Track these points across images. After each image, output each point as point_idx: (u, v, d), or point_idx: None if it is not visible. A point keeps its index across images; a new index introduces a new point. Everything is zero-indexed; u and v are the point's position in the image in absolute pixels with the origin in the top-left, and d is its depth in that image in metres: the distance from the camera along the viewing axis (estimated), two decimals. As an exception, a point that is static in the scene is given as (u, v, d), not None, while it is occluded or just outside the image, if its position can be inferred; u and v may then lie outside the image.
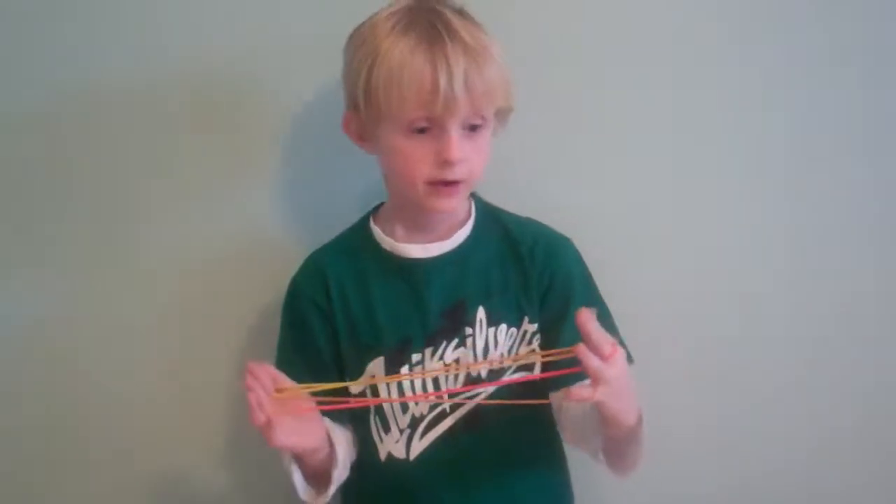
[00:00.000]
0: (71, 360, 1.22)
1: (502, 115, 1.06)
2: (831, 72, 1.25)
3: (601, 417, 0.93)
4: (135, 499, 1.25)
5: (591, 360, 0.88)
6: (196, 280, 1.22)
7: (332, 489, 1.03)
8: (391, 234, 1.09)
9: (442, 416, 1.06)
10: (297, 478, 1.01)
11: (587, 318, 0.89)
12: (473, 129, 1.01)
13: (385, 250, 1.09)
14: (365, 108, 1.02)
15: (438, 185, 1.02)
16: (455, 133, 0.99)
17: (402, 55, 0.98)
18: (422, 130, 1.00)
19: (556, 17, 1.22)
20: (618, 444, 0.99)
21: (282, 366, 1.07)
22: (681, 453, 1.27)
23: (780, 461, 1.31)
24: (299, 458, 1.00)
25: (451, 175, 1.01)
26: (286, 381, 0.96)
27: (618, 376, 0.89)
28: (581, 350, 0.88)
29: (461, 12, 1.03)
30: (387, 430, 1.06)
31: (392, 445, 1.06)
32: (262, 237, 1.22)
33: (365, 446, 1.08)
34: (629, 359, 1.08)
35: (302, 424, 0.96)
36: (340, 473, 1.04)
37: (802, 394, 1.30)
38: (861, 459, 1.32)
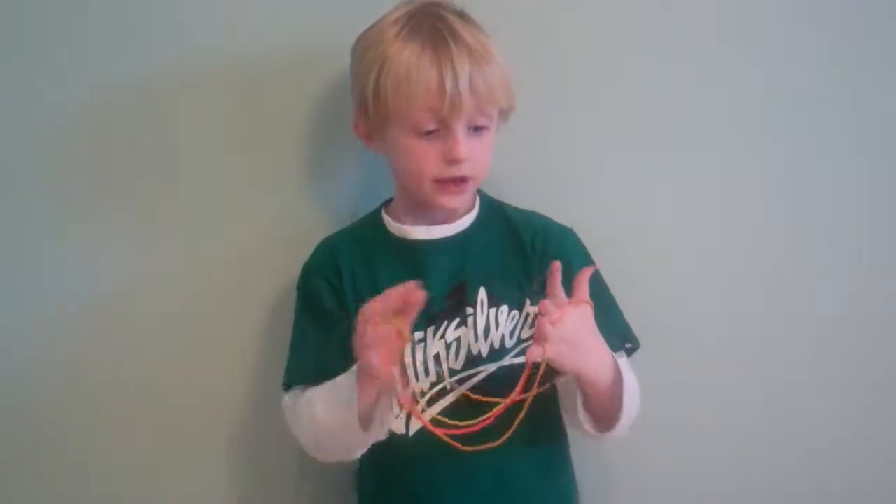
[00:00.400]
0: (115, 338, 1.24)
1: (505, 113, 1.11)
2: (848, 75, 1.28)
3: (566, 374, 1.00)
4: (168, 472, 1.26)
5: (540, 321, 0.96)
6: (223, 269, 1.24)
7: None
8: (398, 220, 1.13)
9: (442, 393, 1.07)
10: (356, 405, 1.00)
11: (554, 271, 0.99)
12: (478, 129, 1.06)
13: (393, 234, 1.13)
14: (374, 110, 1.07)
15: (446, 183, 1.06)
16: (461, 132, 1.04)
17: (409, 60, 1.03)
18: (430, 132, 1.04)
19: (566, 18, 1.26)
20: (597, 402, 1.03)
21: (303, 351, 1.12)
22: (685, 448, 1.30)
23: (788, 461, 1.32)
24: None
25: (458, 172, 1.05)
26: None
27: (568, 335, 0.97)
28: (541, 306, 0.96)
29: (462, 15, 1.08)
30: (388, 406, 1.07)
31: (393, 422, 1.07)
32: (284, 233, 1.24)
33: None
34: (635, 344, 1.11)
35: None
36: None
37: (817, 394, 1.31)
38: (870, 460, 1.33)
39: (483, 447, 1.02)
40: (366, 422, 1.02)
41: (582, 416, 1.05)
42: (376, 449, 1.09)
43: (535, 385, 1.01)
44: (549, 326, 0.95)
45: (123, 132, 1.21)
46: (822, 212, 1.30)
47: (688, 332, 1.28)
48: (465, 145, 1.04)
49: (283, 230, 1.24)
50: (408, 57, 1.03)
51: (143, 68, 1.20)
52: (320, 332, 1.09)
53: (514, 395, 1.02)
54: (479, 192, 1.16)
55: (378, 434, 1.03)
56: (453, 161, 1.04)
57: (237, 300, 1.24)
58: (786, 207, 1.30)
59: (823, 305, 1.30)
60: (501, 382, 1.06)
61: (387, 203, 1.17)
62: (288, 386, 1.12)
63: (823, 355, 1.31)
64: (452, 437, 1.02)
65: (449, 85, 1.01)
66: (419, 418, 1.04)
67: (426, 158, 1.05)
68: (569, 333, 0.97)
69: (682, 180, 1.28)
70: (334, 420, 1.04)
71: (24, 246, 1.21)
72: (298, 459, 1.24)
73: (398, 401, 1.03)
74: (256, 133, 1.23)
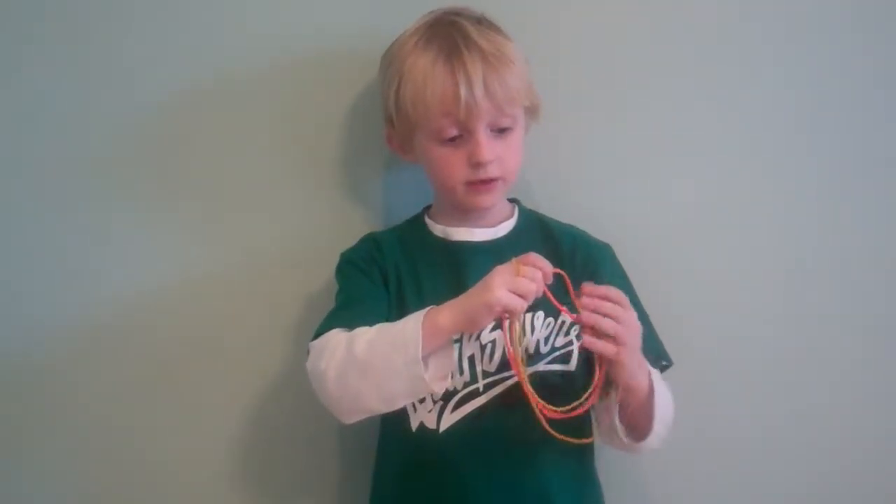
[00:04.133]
0: (142, 338, 1.25)
1: (532, 111, 1.13)
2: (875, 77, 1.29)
3: (618, 382, 1.01)
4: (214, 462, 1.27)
5: (609, 324, 0.98)
6: (267, 269, 1.26)
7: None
8: (441, 222, 1.15)
9: (475, 394, 1.08)
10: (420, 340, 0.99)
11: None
12: (503, 130, 1.08)
13: (435, 235, 1.15)
14: (398, 123, 1.11)
15: (476, 185, 1.09)
16: (483, 136, 1.06)
17: (425, 69, 1.06)
18: (453, 139, 1.07)
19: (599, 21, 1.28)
20: (634, 411, 1.04)
21: (348, 305, 1.10)
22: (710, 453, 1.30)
23: (813, 472, 1.32)
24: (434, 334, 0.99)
25: (484, 174, 1.08)
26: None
27: (634, 342, 1.00)
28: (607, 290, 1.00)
29: (480, 20, 1.11)
30: (422, 399, 1.08)
31: (425, 415, 1.08)
32: (323, 238, 1.25)
33: (397, 416, 1.08)
34: (669, 362, 1.12)
35: None
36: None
37: (855, 402, 1.32)
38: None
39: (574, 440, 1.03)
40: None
41: (618, 425, 1.05)
42: (399, 445, 1.10)
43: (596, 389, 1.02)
44: (625, 329, 0.98)
45: (160, 139, 1.24)
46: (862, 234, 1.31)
47: (714, 345, 1.30)
48: (489, 147, 1.06)
49: (314, 240, 1.25)
50: (422, 66, 1.07)
51: (179, 78, 1.23)
52: (366, 286, 1.10)
53: (596, 382, 1.01)
54: (517, 203, 1.18)
55: (435, 383, 0.99)
56: (479, 164, 1.07)
57: (265, 306, 1.26)
58: (819, 219, 1.31)
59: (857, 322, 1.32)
60: (534, 388, 1.06)
61: (427, 209, 1.19)
62: (321, 332, 1.08)
63: (852, 370, 1.32)
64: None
65: (463, 91, 1.04)
66: (518, 371, 1.00)
67: (453, 164, 1.08)
68: (635, 340, 0.99)
69: (720, 186, 1.30)
70: (376, 357, 1.00)
71: (67, 249, 1.23)
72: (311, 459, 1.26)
73: (508, 349, 1.00)
74: (292, 143, 1.25)
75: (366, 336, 1.02)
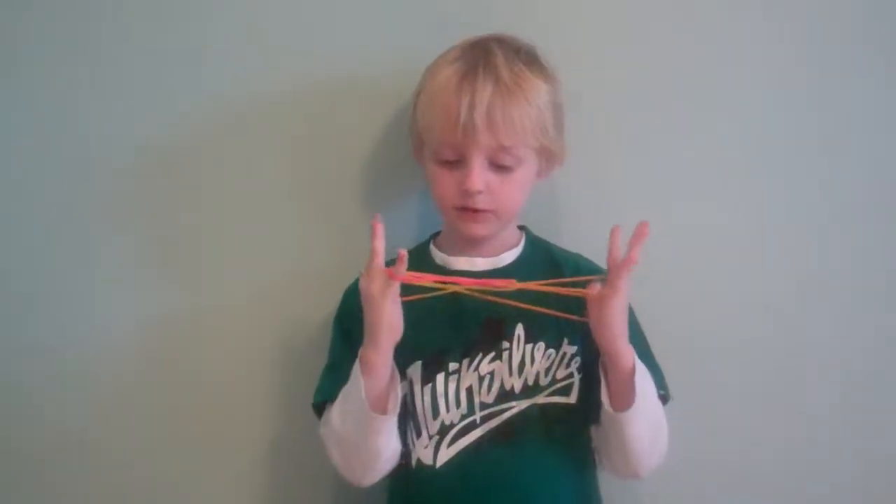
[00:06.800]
0: (173, 358, 1.27)
1: (546, 156, 1.09)
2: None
3: (602, 344, 1.02)
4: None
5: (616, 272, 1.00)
6: (279, 290, 1.26)
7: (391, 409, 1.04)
8: (444, 251, 1.14)
9: (471, 426, 1.07)
10: (362, 386, 1.01)
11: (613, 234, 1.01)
12: (503, 168, 1.05)
13: (437, 264, 1.13)
14: (413, 132, 1.11)
15: (465, 212, 1.07)
16: (477, 164, 1.04)
17: (440, 85, 1.05)
18: (449, 162, 1.05)
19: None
20: (619, 392, 1.02)
21: (333, 370, 1.12)
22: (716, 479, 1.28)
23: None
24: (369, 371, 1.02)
25: (472, 203, 1.05)
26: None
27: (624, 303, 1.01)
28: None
29: (519, 51, 1.07)
30: (419, 434, 1.08)
31: (422, 451, 1.07)
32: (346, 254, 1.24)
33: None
34: (668, 394, 1.09)
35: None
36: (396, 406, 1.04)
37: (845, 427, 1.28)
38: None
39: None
40: (379, 405, 1.02)
41: (604, 398, 1.03)
42: (403, 483, 1.10)
43: None
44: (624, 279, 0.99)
45: (180, 161, 1.25)
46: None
47: (714, 367, 1.27)
48: (480, 178, 1.04)
49: (337, 259, 1.24)
50: (440, 81, 1.05)
51: (196, 99, 1.23)
52: (350, 353, 1.09)
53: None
54: (525, 230, 1.16)
55: (393, 411, 1.02)
56: (466, 192, 1.04)
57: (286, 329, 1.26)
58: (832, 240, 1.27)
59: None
60: (533, 420, 1.06)
61: (435, 235, 1.18)
62: (316, 406, 1.12)
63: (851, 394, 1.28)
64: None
65: (464, 110, 1.01)
66: (411, 279, 1.02)
67: (445, 186, 1.07)
68: (624, 301, 1.01)
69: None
70: (347, 423, 1.04)
71: (81, 275, 1.25)
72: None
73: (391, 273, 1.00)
74: (316, 165, 1.25)
75: (337, 410, 1.06)
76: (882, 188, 1.26)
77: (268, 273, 1.25)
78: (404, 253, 1.00)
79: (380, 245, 1.02)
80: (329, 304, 1.18)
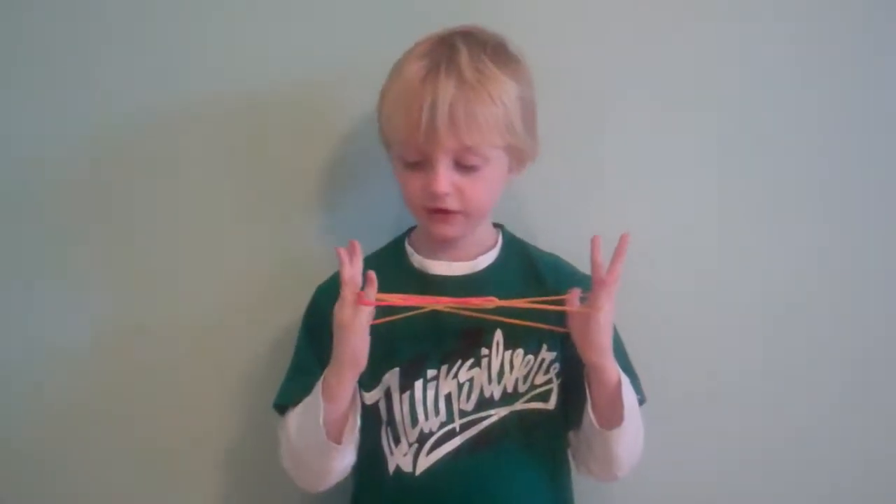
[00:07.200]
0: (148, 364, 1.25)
1: (515, 155, 1.06)
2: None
3: (590, 367, 1.02)
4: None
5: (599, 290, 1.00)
6: (243, 294, 1.25)
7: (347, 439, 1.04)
8: (420, 252, 1.11)
9: (451, 434, 1.06)
10: (321, 411, 1.01)
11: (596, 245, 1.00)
12: (470, 168, 1.02)
13: (413, 266, 1.11)
14: (380, 132, 1.08)
15: (434, 212, 1.04)
16: (441, 165, 1.01)
17: (402, 86, 1.02)
18: (415, 164, 1.03)
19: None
20: (603, 401, 1.03)
21: (296, 373, 1.09)
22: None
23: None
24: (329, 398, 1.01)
25: (440, 204, 1.03)
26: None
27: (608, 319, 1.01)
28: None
29: (485, 45, 1.04)
30: (397, 441, 1.06)
31: (401, 458, 1.06)
32: (309, 256, 1.23)
33: (372, 460, 1.08)
34: (643, 397, 1.10)
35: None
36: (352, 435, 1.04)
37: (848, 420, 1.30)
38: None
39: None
40: (336, 433, 1.01)
41: (591, 415, 1.03)
42: (376, 490, 1.08)
43: None
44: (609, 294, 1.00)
45: (145, 161, 1.22)
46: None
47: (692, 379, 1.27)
48: (446, 180, 1.01)
49: (312, 252, 1.23)
50: (403, 81, 1.02)
51: (165, 93, 1.21)
52: (314, 358, 1.07)
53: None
54: (502, 229, 1.14)
55: (348, 442, 1.02)
56: (433, 194, 1.02)
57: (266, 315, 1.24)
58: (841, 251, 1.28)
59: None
60: (512, 427, 1.06)
61: (411, 230, 1.15)
62: (278, 406, 1.10)
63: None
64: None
65: (425, 111, 0.98)
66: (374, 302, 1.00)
67: (412, 188, 1.04)
68: (609, 316, 1.01)
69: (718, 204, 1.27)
70: (302, 440, 1.04)
71: (33, 284, 1.23)
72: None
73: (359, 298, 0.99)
74: (282, 161, 1.23)
75: (295, 419, 1.05)
76: (882, 188, 1.27)
77: (231, 279, 1.24)
78: (373, 275, 0.99)
79: (350, 272, 0.99)
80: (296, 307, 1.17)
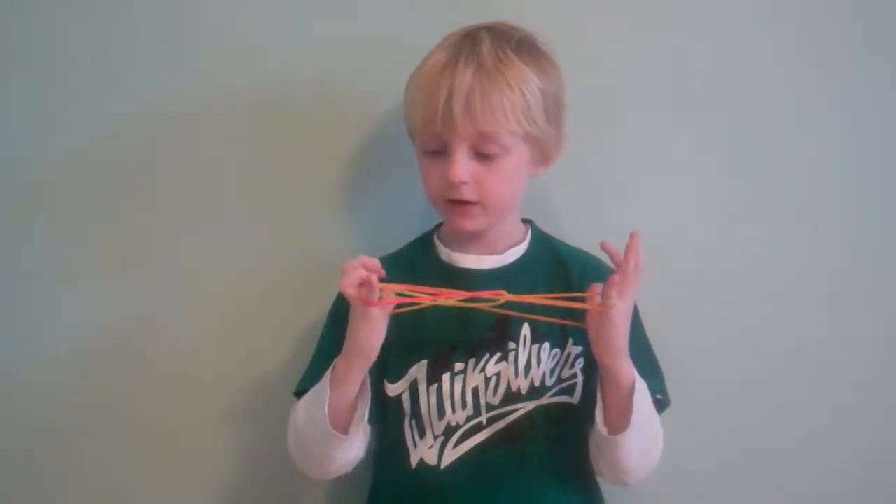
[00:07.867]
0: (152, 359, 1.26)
1: (539, 148, 1.05)
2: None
3: (604, 369, 1.00)
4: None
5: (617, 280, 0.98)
6: (262, 289, 1.25)
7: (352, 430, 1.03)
8: (448, 246, 1.11)
9: (478, 427, 1.05)
10: (327, 397, 1.00)
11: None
12: (488, 156, 1.02)
13: (442, 260, 1.11)
14: (406, 123, 1.08)
15: (454, 205, 1.04)
16: (459, 154, 1.01)
17: (423, 74, 1.03)
18: (435, 153, 1.02)
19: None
20: (616, 412, 1.01)
21: (319, 359, 1.09)
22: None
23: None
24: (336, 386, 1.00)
25: (457, 195, 1.03)
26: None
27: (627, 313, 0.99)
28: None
29: (511, 38, 1.03)
30: (422, 434, 1.06)
31: (425, 451, 1.06)
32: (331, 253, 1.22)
33: (393, 453, 1.08)
34: (666, 399, 1.10)
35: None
36: (359, 426, 1.03)
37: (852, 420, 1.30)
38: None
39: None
40: (340, 422, 1.01)
41: (599, 416, 1.02)
42: (397, 482, 1.08)
43: None
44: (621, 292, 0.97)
45: (166, 155, 1.23)
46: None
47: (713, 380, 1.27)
48: (463, 168, 1.01)
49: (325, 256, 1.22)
50: (425, 70, 1.03)
51: (185, 90, 1.22)
52: (335, 346, 1.06)
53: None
54: (531, 224, 1.14)
55: (354, 433, 1.01)
56: (451, 184, 1.02)
57: (283, 312, 1.24)
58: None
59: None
60: (539, 421, 1.05)
61: (439, 225, 1.15)
62: (297, 393, 1.10)
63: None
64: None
65: (442, 99, 0.99)
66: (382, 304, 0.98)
67: (432, 177, 1.04)
68: (627, 312, 0.99)
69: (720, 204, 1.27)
70: (308, 426, 1.03)
71: (66, 272, 1.23)
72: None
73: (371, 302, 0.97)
74: (307, 158, 1.24)
75: (303, 407, 1.05)
76: (883, 188, 1.27)
77: (247, 278, 1.25)
78: (375, 279, 0.97)
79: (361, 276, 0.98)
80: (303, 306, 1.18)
